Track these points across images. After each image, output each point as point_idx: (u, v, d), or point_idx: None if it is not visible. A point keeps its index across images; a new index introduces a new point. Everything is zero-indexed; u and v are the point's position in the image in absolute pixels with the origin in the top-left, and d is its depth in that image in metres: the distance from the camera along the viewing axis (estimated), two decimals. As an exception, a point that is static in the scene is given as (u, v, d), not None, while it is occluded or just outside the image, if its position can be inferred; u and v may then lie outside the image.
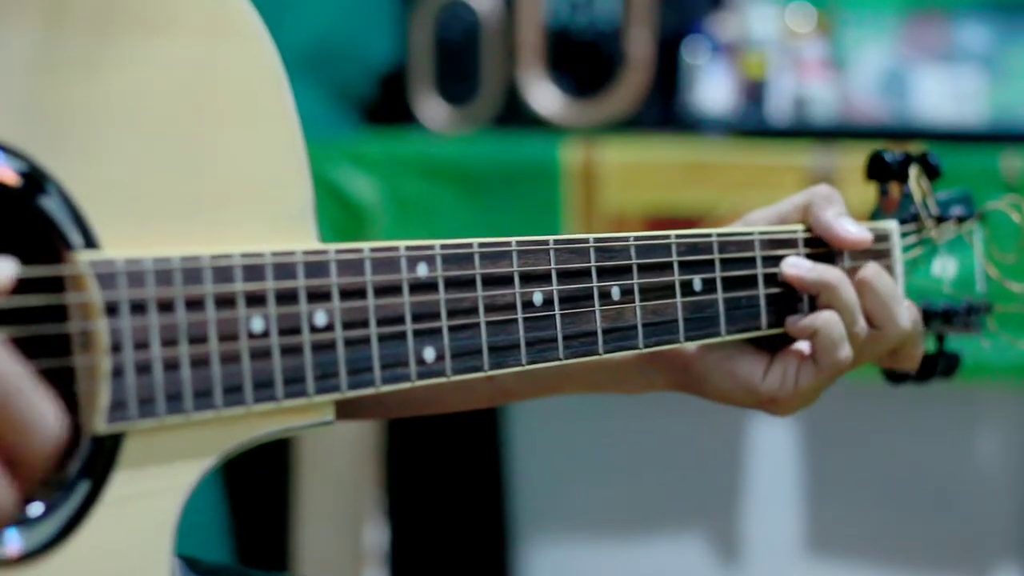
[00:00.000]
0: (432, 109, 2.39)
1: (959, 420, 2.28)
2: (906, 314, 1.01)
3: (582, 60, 2.33)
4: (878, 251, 1.04)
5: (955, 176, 1.15)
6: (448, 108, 2.38)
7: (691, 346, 1.00)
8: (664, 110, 2.31)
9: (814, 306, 0.99)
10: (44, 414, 0.65)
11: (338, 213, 2.17)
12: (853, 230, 1.01)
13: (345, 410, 1.04)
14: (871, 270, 1.00)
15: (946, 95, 2.25)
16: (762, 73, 2.28)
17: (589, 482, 2.42)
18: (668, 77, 2.31)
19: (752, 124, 2.25)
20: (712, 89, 2.28)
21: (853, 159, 1.95)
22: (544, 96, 2.34)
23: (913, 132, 2.15)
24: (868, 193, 1.11)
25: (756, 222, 1.02)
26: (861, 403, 2.28)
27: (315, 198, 0.81)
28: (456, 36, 2.37)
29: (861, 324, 0.99)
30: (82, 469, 0.71)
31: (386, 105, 2.48)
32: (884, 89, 2.29)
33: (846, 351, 0.98)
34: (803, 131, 2.20)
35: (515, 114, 2.34)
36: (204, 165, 0.77)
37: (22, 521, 0.70)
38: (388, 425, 2.37)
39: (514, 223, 2.12)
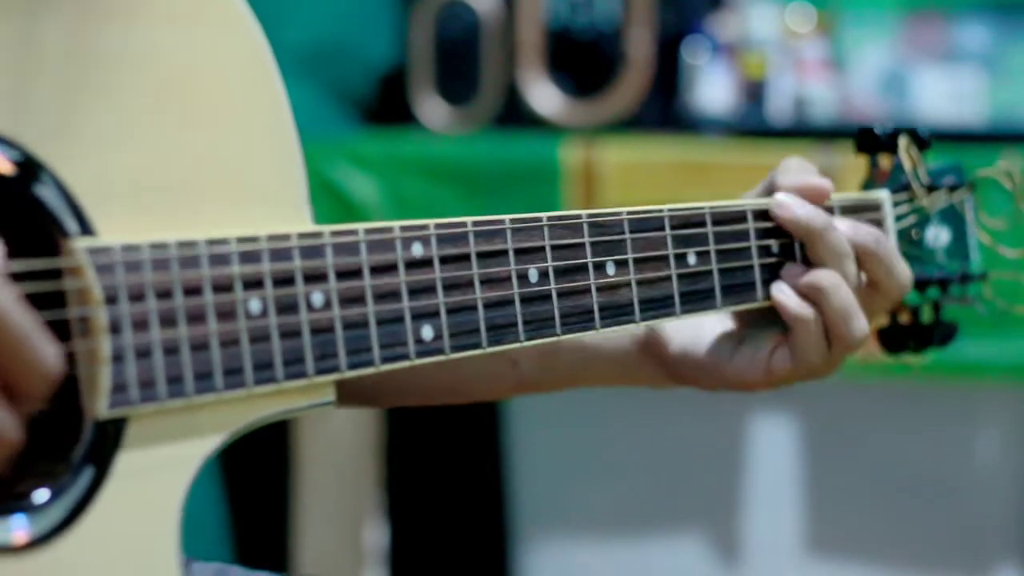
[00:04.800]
0: (432, 109, 2.39)
1: (959, 420, 2.28)
2: (907, 269, 1.02)
3: (582, 60, 2.33)
4: (870, 220, 1.04)
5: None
6: (448, 108, 2.38)
7: (669, 338, 1.01)
8: (664, 110, 2.31)
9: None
10: (46, 351, 0.67)
11: (338, 213, 2.17)
12: (817, 179, 1.00)
13: (367, 396, 1.04)
14: (872, 237, 1.00)
15: (946, 95, 2.25)
16: (762, 73, 2.28)
17: (589, 482, 2.42)
18: (668, 77, 2.31)
19: (752, 124, 2.25)
20: (712, 89, 2.28)
21: (853, 159, 1.95)
22: (544, 96, 2.34)
23: (913, 132, 2.15)
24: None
25: None
26: (861, 403, 2.28)
27: (308, 183, 0.81)
28: (456, 36, 2.37)
29: (852, 270, 0.98)
30: (86, 455, 0.72)
31: (386, 105, 2.48)
32: (884, 89, 2.30)
33: (861, 321, 0.97)
34: (803, 131, 2.20)
35: (515, 114, 2.34)
36: (193, 151, 0.77)
37: (29, 508, 0.70)
38: (388, 424, 2.37)
39: (514, 223, 2.12)
